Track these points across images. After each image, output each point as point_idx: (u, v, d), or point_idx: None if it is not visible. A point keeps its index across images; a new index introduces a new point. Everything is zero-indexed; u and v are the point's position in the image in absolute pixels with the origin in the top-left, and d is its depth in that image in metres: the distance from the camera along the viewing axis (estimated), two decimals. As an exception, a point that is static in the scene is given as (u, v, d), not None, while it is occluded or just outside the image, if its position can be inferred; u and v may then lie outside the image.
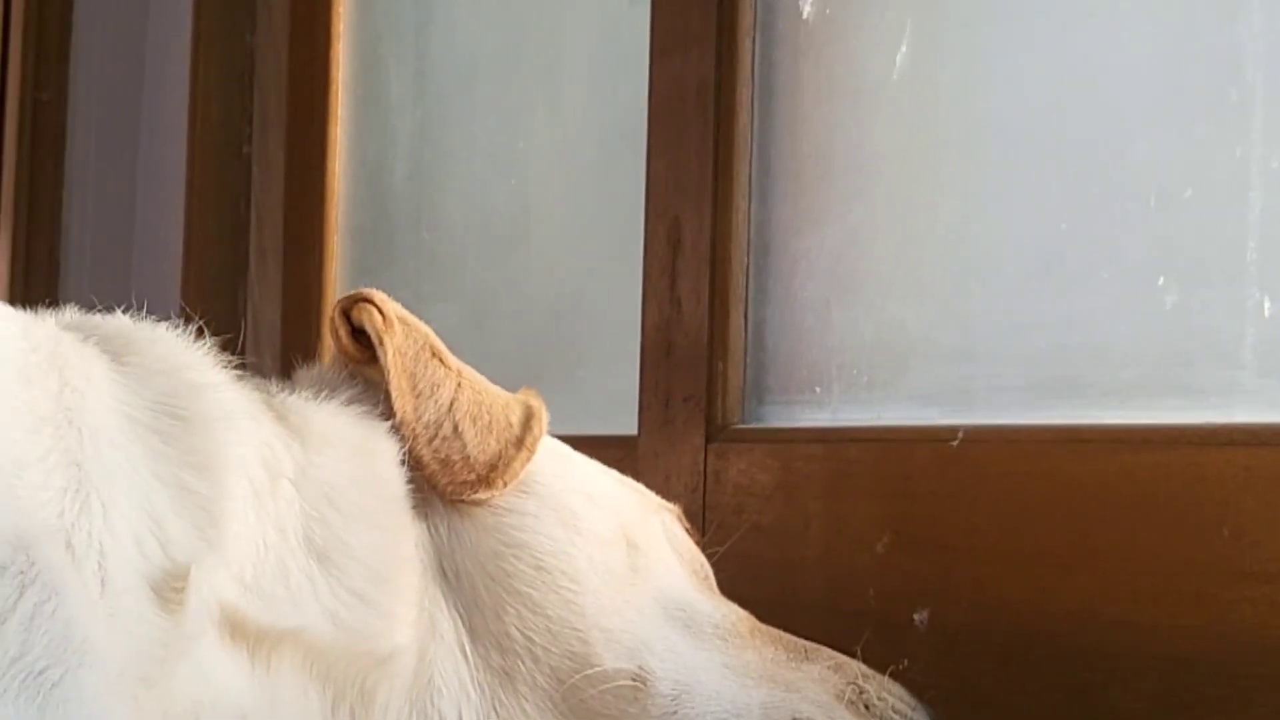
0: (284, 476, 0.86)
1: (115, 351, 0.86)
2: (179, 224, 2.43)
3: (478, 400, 0.95)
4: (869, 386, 1.37)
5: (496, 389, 1.00)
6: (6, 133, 2.60)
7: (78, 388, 0.80)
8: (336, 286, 2.30)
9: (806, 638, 1.05)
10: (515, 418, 0.96)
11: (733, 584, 1.11)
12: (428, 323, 2.12)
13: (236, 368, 0.93)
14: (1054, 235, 1.22)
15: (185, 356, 0.89)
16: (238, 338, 2.47)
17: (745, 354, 1.49)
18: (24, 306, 0.86)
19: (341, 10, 2.28)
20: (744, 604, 1.10)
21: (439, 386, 0.95)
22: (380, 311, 0.95)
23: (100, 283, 2.56)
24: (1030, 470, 1.18)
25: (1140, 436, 1.12)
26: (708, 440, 1.47)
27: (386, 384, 0.93)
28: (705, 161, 1.50)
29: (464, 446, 0.92)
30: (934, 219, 1.32)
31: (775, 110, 1.47)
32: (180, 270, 2.42)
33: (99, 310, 0.93)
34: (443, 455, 0.92)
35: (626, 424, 1.60)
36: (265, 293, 2.37)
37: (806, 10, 1.44)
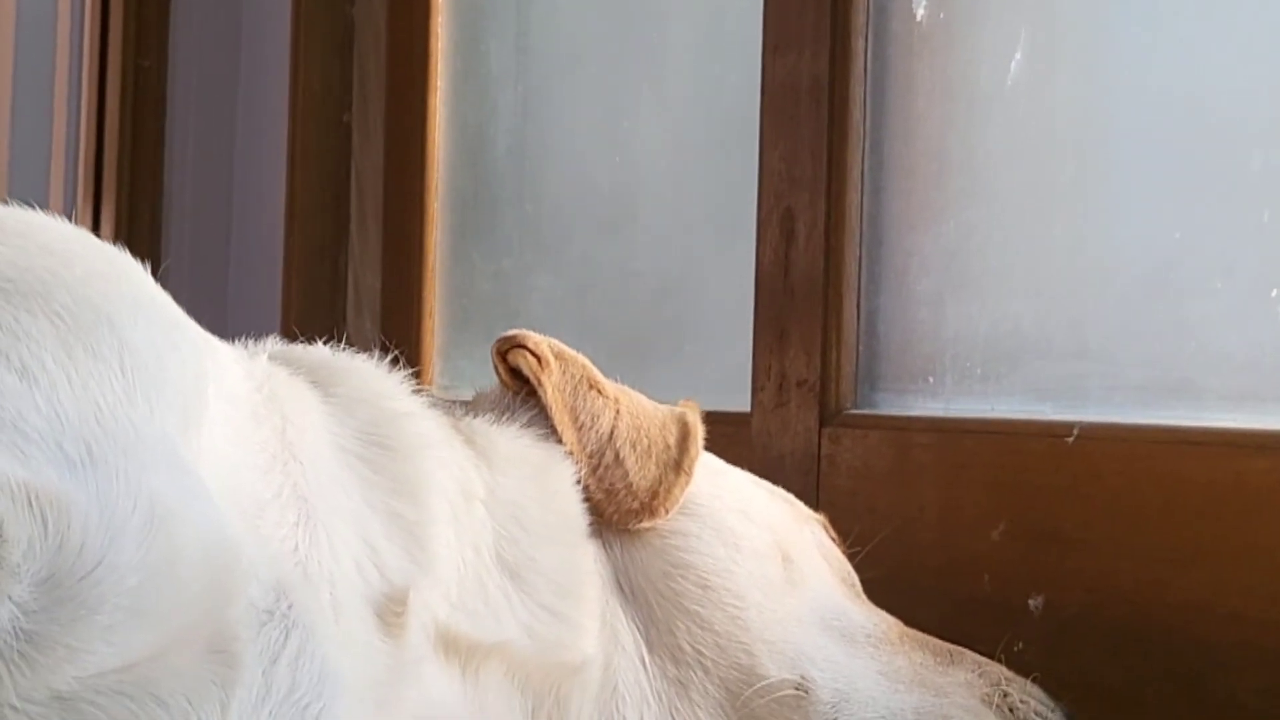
0: (476, 498, 0.94)
1: (321, 382, 0.93)
2: (279, 190, 2.50)
3: (636, 425, 1.02)
4: (982, 379, 1.43)
5: (654, 407, 1.07)
6: (109, 98, 2.67)
7: (297, 423, 0.88)
8: (437, 252, 2.37)
9: (922, 619, 1.12)
10: (673, 438, 1.03)
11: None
12: (529, 293, 2.19)
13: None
14: (1169, 244, 1.28)
15: (383, 385, 0.95)
16: (340, 302, 2.54)
17: (858, 341, 1.55)
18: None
19: (440, -16, 2.34)
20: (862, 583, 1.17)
21: (598, 417, 1.01)
22: (534, 354, 1.01)
23: (202, 248, 2.63)
24: (1145, 469, 1.24)
25: (1254, 441, 1.18)
26: (821, 424, 1.54)
27: (550, 419, 1.00)
28: (819, 155, 1.56)
29: (626, 474, 0.99)
30: (1049, 221, 1.38)
31: (888, 109, 1.53)
32: (282, 236, 2.49)
33: (296, 339, 1.00)
34: (607, 484, 0.98)
35: (739, 400, 1.66)
36: (366, 258, 2.44)
37: (920, 13, 1.49)
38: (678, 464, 1.01)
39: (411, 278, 2.38)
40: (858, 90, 1.55)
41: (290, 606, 0.74)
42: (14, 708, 0.62)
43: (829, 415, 1.54)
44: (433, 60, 2.34)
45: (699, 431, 1.05)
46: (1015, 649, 1.29)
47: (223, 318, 2.60)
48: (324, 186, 2.47)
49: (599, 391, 1.03)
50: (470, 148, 2.30)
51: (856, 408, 1.54)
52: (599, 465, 1.00)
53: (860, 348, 1.55)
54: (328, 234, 2.47)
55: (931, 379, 1.48)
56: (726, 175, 1.77)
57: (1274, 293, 1.20)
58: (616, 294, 1.99)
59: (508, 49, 2.23)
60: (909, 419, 1.47)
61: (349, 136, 2.46)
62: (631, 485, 0.99)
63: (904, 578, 1.41)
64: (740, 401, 1.65)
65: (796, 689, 0.96)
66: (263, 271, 2.54)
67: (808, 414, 1.56)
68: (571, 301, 2.06)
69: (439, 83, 2.35)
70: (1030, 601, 1.32)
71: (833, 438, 1.52)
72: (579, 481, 0.99)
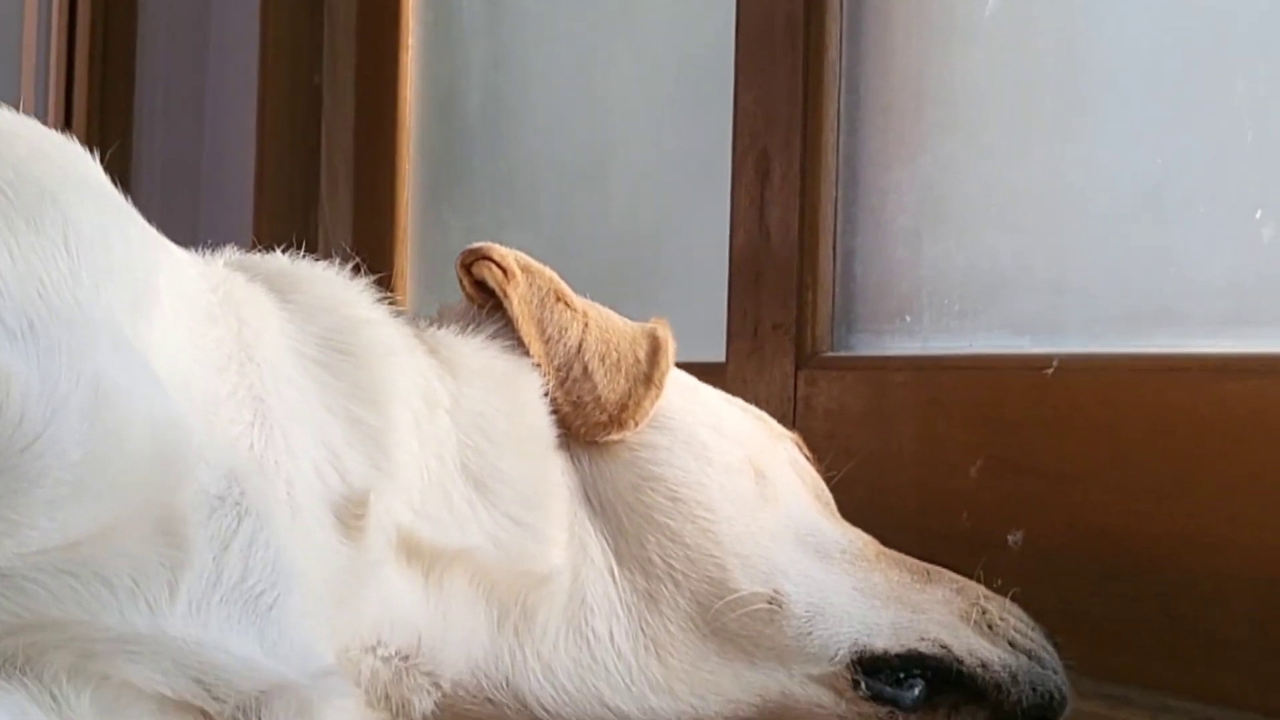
0: (441, 407, 0.91)
1: (280, 289, 0.90)
2: (249, 150, 2.47)
3: (605, 339, 0.99)
4: (960, 316, 1.41)
5: (624, 322, 1.04)
6: (78, 54, 2.63)
7: (253, 325, 0.85)
8: (408, 210, 2.34)
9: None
10: (643, 352, 1.00)
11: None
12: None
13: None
14: (1150, 169, 1.25)
15: (345, 293, 0.93)
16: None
17: (834, 283, 1.52)
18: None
19: (412, -61, 2.31)
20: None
21: (566, 329, 0.98)
22: (500, 266, 0.99)
23: (171, 210, 2.60)
24: (1126, 398, 1.22)
25: (1237, 365, 1.15)
26: (798, 367, 1.51)
27: (517, 331, 0.97)
28: (794, 95, 1.53)
29: (594, 387, 0.96)
30: (1028, 152, 1.35)
31: (865, 45, 1.51)
32: (252, 195, 2.46)
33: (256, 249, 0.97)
34: (575, 396, 0.96)
35: (714, 350, 1.63)
36: (337, 217, 2.42)
37: (897, -55, 1.47)
38: (648, 377, 0.98)
39: (383, 237, 2.35)
40: (834, 28, 1.52)
41: (243, 494, 0.72)
42: None
43: (805, 358, 1.51)
44: (404, 16, 2.31)
45: (670, 346, 1.02)
46: (995, 585, 1.27)
47: (192, 280, 2.56)
48: (295, 146, 2.44)
49: (566, 304, 1.01)
50: (442, 104, 2.27)
51: (833, 350, 1.52)
52: (567, 378, 0.97)
53: (837, 289, 1.52)
54: (298, 194, 2.44)
55: (909, 317, 1.46)
56: (702, 122, 1.74)
57: (1258, 214, 1.17)
58: (592, 246, 1.96)
59: (479, 3, 2.20)
60: (885, 359, 1.45)
61: (319, 96, 2.43)
62: (600, 398, 0.96)
63: (882, 517, 1.38)
64: (717, 352, 1.63)
65: (769, 603, 0.93)
66: (233, 233, 2.51)
67: (783, 357, 1.53)
68: (548, 256, 2.02)
69: (410, 41, 2.32)
70: (1009, 537, 1.29)
71: (809, 380, 1.50)
72: (546, 394, 0.96)
